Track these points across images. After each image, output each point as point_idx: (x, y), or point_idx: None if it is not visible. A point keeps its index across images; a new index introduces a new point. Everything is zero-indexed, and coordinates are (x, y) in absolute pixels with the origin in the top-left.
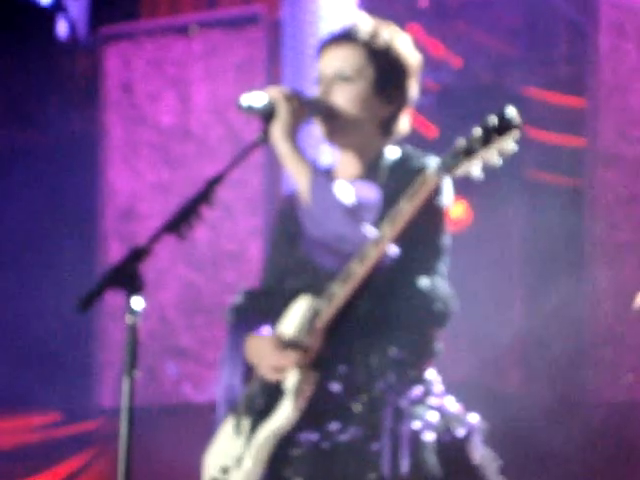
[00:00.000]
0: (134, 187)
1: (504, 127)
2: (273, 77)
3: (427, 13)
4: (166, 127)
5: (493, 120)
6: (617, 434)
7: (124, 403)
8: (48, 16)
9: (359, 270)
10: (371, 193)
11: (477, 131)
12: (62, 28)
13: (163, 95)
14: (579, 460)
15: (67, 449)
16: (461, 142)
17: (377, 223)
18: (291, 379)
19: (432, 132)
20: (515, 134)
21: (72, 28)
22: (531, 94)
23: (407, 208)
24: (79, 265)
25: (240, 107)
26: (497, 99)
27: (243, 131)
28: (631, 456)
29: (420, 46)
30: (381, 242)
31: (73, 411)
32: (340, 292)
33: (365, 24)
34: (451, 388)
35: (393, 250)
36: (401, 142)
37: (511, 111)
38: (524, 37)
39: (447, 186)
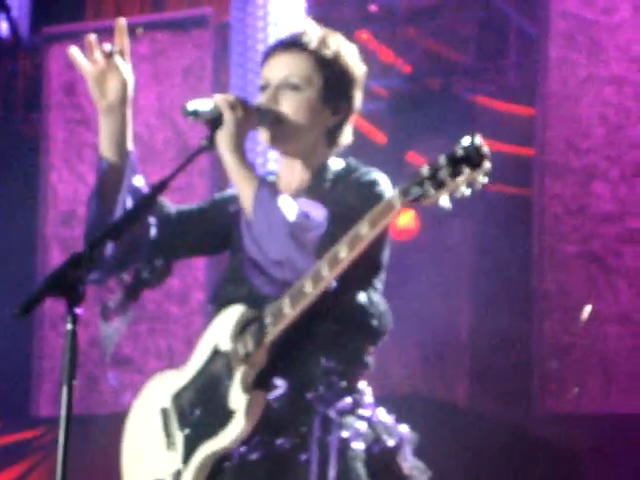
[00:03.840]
0: (76, 190)
1: (474, 159)
2: (220, 81)
3: (377, 19)
4: None
5: (461, 150)
6: (562, 446)
7: (63, 412)
8: None
9: (312, 292)
10: (317, 211)
11: (443, 160)
12: (3, 27)
13: None
14: (524, 472)
15: (5, 459)
16: (426, 170)
17: (321, 242)
18: (239, 399)
19: (381, 138)
20: (487, 167)
21: (14, 27)
22: (480, 102)
23: (368, 234)
24: (19, 270)
25: (186, 113)
26: (446, 106)
27: (189, 135)
28: (575, 467)
29: (370, 52)
30: (338, 266)
31: (11, 420)
32: (291, 313)
33: (313, 32)
34: (399, 400)
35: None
36: (348, 149)
37: (479, 140)
38: (474, 45)
39: None
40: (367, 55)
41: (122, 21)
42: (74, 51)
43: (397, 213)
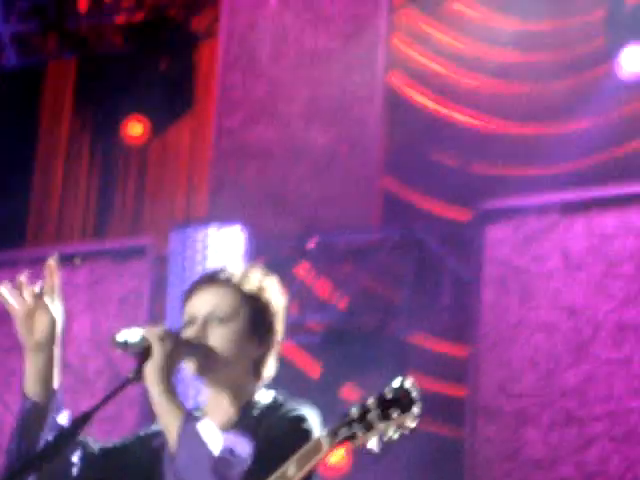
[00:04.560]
0: (2, 419)
1: (404, 403)
2: (156, 311)
3: (315, 254)
4: None
5: (391, 393)
6: None
7: None
8: None
9: None
10: (242, 447)
11: (373, 403)
12: None
13: None
14: None
15: None
16: (355, 411)
17: (245, 479)
18: None
19: (315, 371)
20: (416, 411)
21: None
22: (415, 341)
23: (295, 475)
24: None
25: (115, 344)
26: (381, 344)
27: (122, 365)
28: None
29: (307, 286)
30: None
31: None
32: None
33: (234, 267)
34: None
35: None
36: (282, 382)
37: (410, 384)
38: (409, 284)
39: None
40: (304, 290)
41: (53, 261)
42: (2, 290)
43: (325, 454)
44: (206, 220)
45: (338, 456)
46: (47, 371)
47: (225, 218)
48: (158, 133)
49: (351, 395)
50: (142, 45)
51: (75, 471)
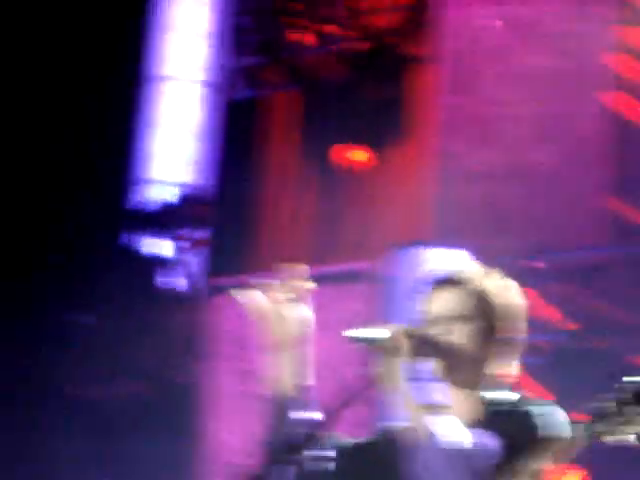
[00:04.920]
0: (236, 441)
1: None
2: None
3: (543, 274)
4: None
5: None
6: None
7: None
8: (161, 267)
9: None
10: (486, 440)
11: (630, 398)
12: (177, 280)
13: None
14: None
15: None
16: (611, 406)
17: (494, 472)
18: None
19: (541, 393)
20: None
21: (188, 280)
22: None
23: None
24: None
25: (352, 339)
26: (608, 363)
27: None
28: None
29: (534, 305)
30: None
31: None
32: None
33: (472, 268)
34: None
35: None
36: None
37: None
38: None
39: None
40: (531, 309)
41: (304, 268)
42: (254, 293)
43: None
44: (430, 243)
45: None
46: (296, 367)
47: (449, 240)
48: (380, 159)
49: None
50: (361, 73)
51: (325, 465)
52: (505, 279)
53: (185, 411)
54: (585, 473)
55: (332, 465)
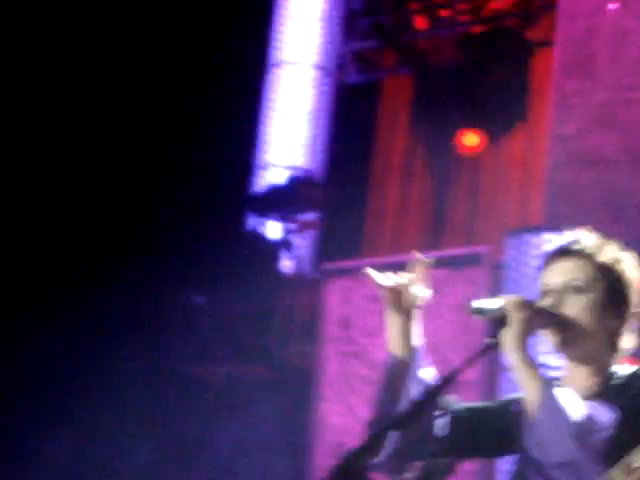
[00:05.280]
0: (345, 422)
1: None
2: None
3: None
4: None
5: None
6: None
7: None
8: (274, 251)
9: None
10: (603, 415)
11: None
12: (286, 263)
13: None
14: None
15: None
16: None
17: (607, 446)
18: None
19: None
20: None
21: (297, 263)
22: None
23: None
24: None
25: (471, 310)
26: None
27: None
28: None
29: None
30: (630, 473)
31: None
32: None
33: (589, 239)
34: None
35: None
36: None
37: None
38: None
39: None
40: None
41: (418, 255)
42: (370, 271)
43: None
44: (542, 227)
45: None
46: (408, 329)
47: (561, 225)
48: (493, 143)
49: None
50: (477, 56)
51: (442, 429)
52: (623, 251)
53: (298, 393)
54: None
55: (446, 429)
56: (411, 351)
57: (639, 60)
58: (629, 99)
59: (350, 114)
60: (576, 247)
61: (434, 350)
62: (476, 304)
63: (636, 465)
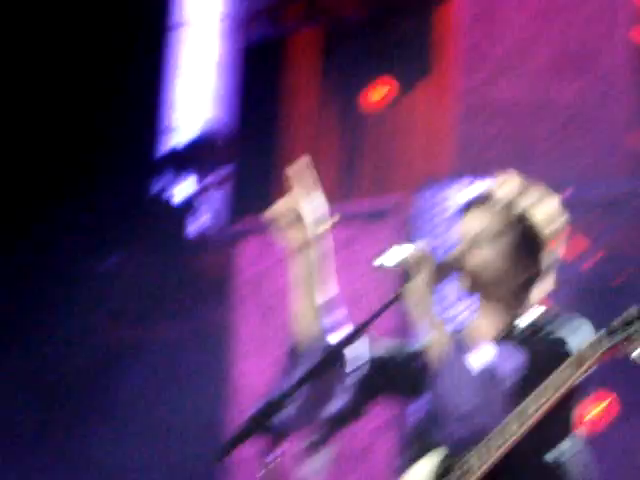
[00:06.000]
0: (260, 380)
1: None
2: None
3: (567, 206)
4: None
5: None
6: None
7: None
8: (178, 214)
9: (499, 449)
10: (509, 361)
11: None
12: (194, 225)
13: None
14: None
15: None
16: (634, 311)
17: (518, 391)
18: None
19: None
20: None
21: (210, 220)
22: None
23: (574, 375)
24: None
25: (376, 265)
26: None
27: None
28: None
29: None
30: (525, 420)
31: None
32: (477, 467)
33: (508, 186)
34: None
35: None
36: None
37: None
38: None
39: None
40: None
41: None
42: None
43: (602, 354)
44: (452, 179)
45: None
46: (312, 272)
47: (471, 176)
48: (402, 95)
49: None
50: (381, 11)
51: (364, 371)
52: (541, 198)
53: (212, 353)
54: (613, 397)
55: (363, 373)
56: (319, 307)
57: (544, 11)
58: (535, 51)
59: (258, 70)
60: (490, 196)
61: (349, 302)
62: (380, 260)
63: (530, 412)
